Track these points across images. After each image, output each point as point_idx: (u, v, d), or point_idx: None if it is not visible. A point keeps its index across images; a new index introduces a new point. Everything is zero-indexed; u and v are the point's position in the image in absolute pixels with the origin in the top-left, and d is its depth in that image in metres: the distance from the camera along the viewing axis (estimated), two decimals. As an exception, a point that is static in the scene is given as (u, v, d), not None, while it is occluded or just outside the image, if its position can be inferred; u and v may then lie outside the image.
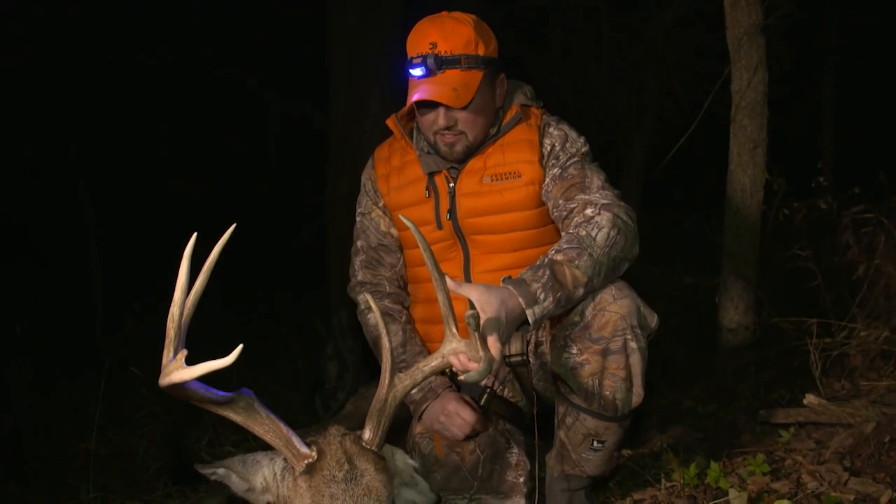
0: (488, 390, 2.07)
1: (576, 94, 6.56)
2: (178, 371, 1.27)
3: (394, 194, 2.15)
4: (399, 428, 2.12)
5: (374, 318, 2.14)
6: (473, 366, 1.50)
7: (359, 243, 2.26)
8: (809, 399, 2.52)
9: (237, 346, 1.29)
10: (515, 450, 2.06)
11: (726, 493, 2.06)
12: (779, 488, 2.10)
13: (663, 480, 2.20)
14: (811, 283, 3.56)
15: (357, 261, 2.26)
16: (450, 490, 2.00)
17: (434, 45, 1.93)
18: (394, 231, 2.21)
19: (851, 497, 1.95)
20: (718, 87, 3.49)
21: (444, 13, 2.03)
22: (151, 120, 6.11)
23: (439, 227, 2.08)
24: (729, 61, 3.45)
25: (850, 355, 2.96)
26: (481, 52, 1.97)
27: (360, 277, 2.24)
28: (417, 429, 2.09)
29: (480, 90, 1.98)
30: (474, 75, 1.96)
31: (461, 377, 1.49)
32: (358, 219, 2.26)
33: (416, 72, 1.95)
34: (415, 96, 1.94)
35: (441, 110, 1.97)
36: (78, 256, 5.68)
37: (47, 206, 5.86)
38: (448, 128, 1.98)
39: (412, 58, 1.96)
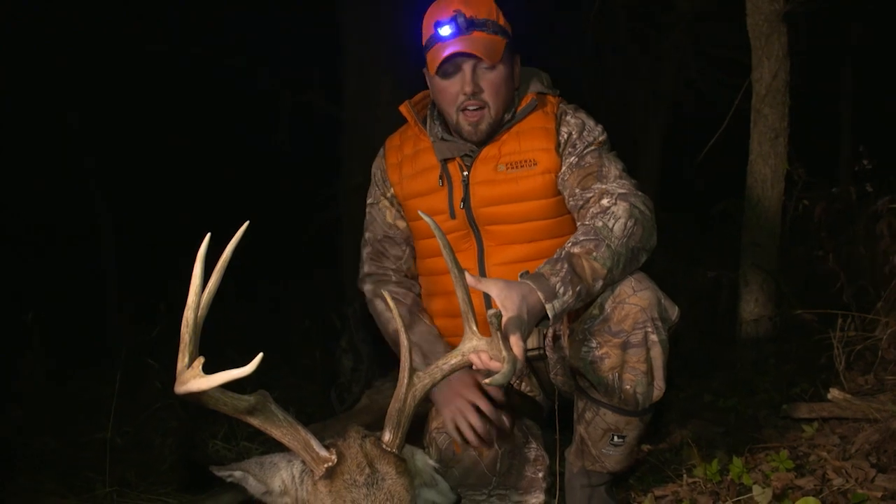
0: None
1: (592, 83, 6.49)
2: (196, 380, 1.24)
3: (406, 183, 2.11)
4: (415, 423, 2.10)
5: (382, 304, 2.13)
6: (496, 365, 1.46)
7: (367, 235, 2.24)
8: (833, 393, 2.48)
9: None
10: (534, 445, 2.03)
11: (749, 490, 2.02)
12: (804, 485, 2.06)
13: (685, 476, 2.17)
14: (833, 274, 3.50)
15: (364, 252, 2.24)
16: (467, 486, 1.97)
17: (458, 11, 1.92)
18: (400, 223, 2.18)
19: (879, 494, 1.91)
20: (743, 82, 3.41)
21: None
22: (163, 112, 6.10)
23: (452, 216, 2.05)
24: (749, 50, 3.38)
25: (875, 349, 2.90)
26: (502, 22, 1.97)
27: (366, 269, 2.22)
28: (434, 423, 2.05)
29: (503, 60, 1.97)
30: (499, 41, 1.95)
31: (486, 381, 1.45)
32: (367, 209, 2.24)
33: (445, 30, 1.93)
34: (446, 51, 1.91)
35: (468, 74, 1.94)
36: (91, 248, 5.70)
37: (60, 197, 5.87)
38: (473, 95, 1.95)
39: (439, 20, 1.94)
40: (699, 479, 2.14)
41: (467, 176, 2.04)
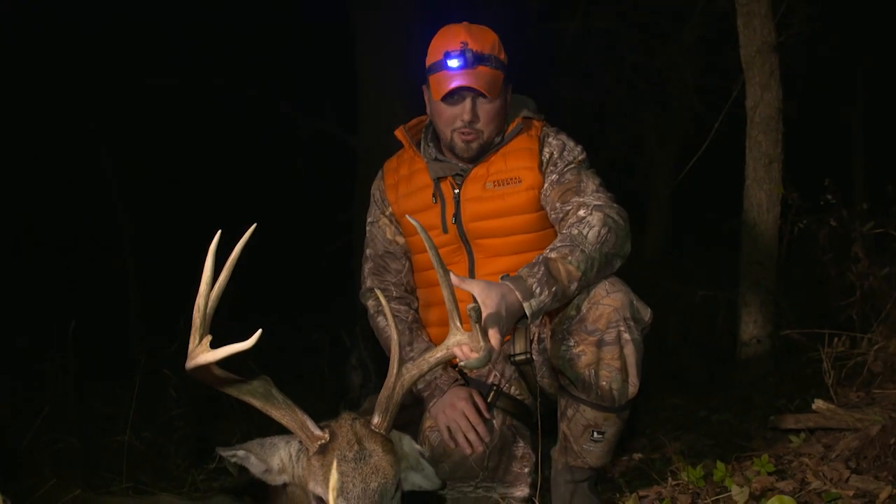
0: (495, 388, 2.18)
1: (598, 116, 6.69)
2: (203, 354, 1.40)
3: (402, 202, 2.28)
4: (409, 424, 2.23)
5: (383, 321, 2.29)
6: (475, 356, 1.60)
7: (367, 251, 2.40)
8: (818, 404, 2.56)
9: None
10: (521, 443, 2.15)
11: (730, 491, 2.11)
12: (783, 487, 2.14)
13: (669, 479, 2.26)
14: (829, 296, 3.58)
15: (366, 268, 2.40)
16: (457, 478, 2.09)
17: (465, 44, 2.09)
18: (399, 239, 2.34)
19: (851, 493, 1.99)
20: (730, 103, 3.56)
21: (463, 23, 2.19)
22: (185, 138, 6.37)
23: (445, 230, 2.21)
24: (743, 78, 3.52)
25: (865, 366, 2.97)
26: (502, 57, 2.15)
27: (368, 284, 2.38)
28: (427, 423, 2.19)
29: (501, 92, 2.14)
30: (499, 76, 2.13)
31: (461, 363, 1.60)
32: (367, 228, 2.40)
33: (454, 62, 2.09)
34: (453, 83, 2.08)
35: (468, 104, 2.12)
36: (113, 268, 5.94)
37: (84, 215, 6.14)
38: (470, 123, 2.12)
39: (449, 51, 2.10)
40: (683, 482, 2.23)
41: (458, 193, 2.21)
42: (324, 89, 6.33)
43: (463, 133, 2.15)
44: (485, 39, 2.13)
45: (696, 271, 5.55)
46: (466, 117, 2.11)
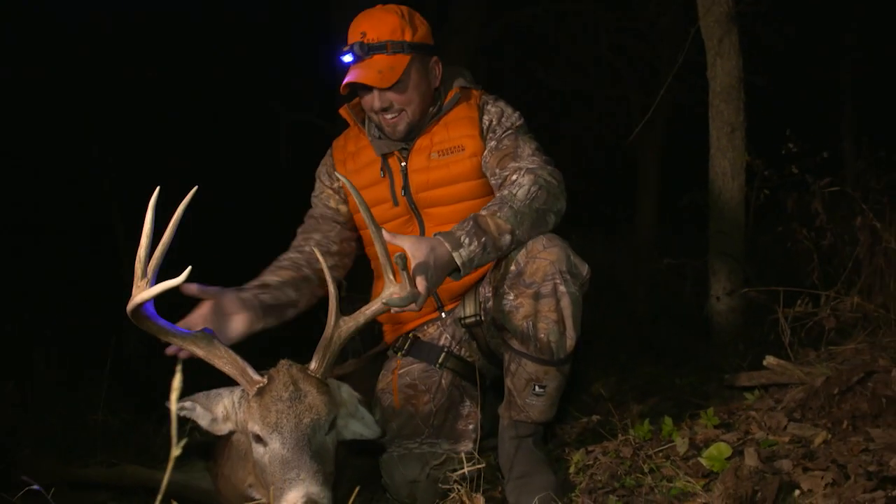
0: (445, 350, 2.26)
1: (583, 99, 6.74)
2: (140, 294, 1.49)
3: (351, 178, 2.32)
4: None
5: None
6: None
7: (306, 217, 2.45)
8: (769, 360, 2.62)
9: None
10: (468, 403, 2.24)
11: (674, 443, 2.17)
12: (727, 438, 2.20)
13: (619, 435, 2.32)
14: (796, 261, 3.64)
15: (299, 229, 2.44)
16: (403, 436, 2.16)
17: (364, 34, 2.16)
18: (342, 207, 2.40)
19: (787, 439, 2.06)
20: (678, 64, 3.59)
21: (377, 6, 2.25)
22: (168, 129, 6.47)
23: (395, 203, 2.29)
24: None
25: (822, 323, 3.02)
26: (408, 38, 2.18)
27: (293, 242, 2.41)
28: (379, 385, 2.29)
29: (410, 72, 2.19)
30: (401, 59, 2.17)
31: (383, 301, 1.69)
32: (312, 201, 2.46)
33: (346, 58, 2.18)
34: (347, 78, 2.16)
35: (375, 93, 2.18)
36: (106, 267, 6.04)
37: (77, 211, 6.26)
38: (385, 109, 2.19)
39: (344, 48, 2.19)
40: (630, 437, 2.29)
41: (405, 166, 2.28)
42: (302, 76, 6.42)
43: (384, 118, 2.22)
44: (384, 24, 2.17)
45: (680, 245, 5.58)
46: (377, 105, 2.19)
